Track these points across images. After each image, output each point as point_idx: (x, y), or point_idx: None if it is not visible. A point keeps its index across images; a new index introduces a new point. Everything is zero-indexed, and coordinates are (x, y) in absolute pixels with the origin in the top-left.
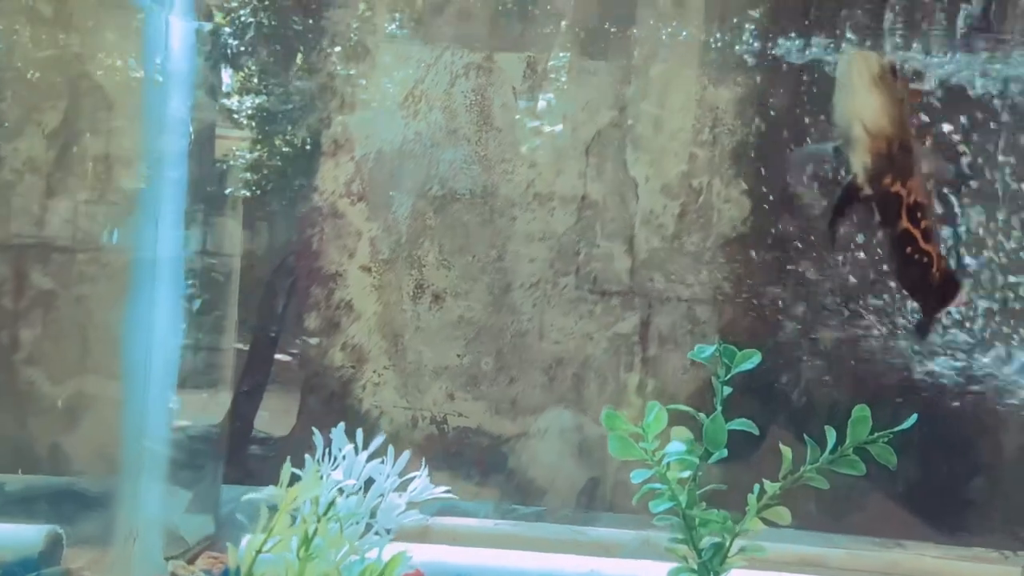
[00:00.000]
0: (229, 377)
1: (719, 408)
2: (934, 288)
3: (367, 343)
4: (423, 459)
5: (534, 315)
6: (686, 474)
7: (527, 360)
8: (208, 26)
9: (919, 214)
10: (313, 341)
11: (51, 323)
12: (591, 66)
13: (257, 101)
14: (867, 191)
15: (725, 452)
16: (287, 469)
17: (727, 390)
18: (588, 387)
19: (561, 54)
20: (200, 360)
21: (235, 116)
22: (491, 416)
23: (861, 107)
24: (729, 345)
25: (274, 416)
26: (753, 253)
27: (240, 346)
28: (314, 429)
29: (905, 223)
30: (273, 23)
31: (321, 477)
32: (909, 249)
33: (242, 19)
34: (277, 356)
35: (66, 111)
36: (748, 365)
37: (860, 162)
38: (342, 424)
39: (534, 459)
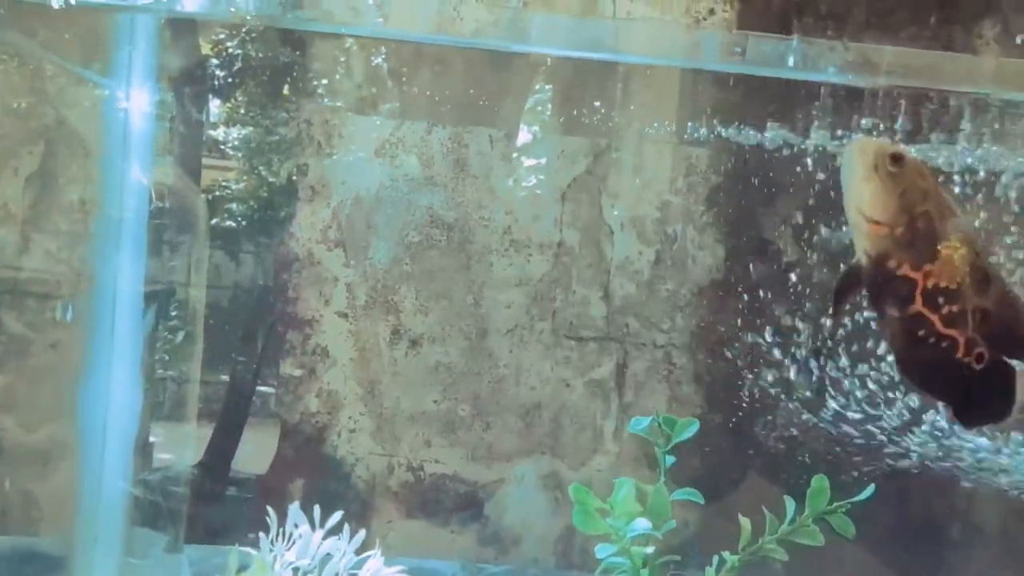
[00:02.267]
0: (195, 413)
1: (662, 479)
2: (962, 378)
3: (343, 389)
4: (377, 540)
5: (511, 361)
6: (650, 550)
7: (504, 406)
8: (169, 96)
9: (941, 299)
10: (288, 386)
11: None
12: (568, 120)
13: (242, 132)
14: (871, 274)
15: (673, 523)
16: (235, 556)
17: (670, 459)
18: (565, 433)
19: (537, 106)
20: (167, 395)
21: (221, 147)
22: (467, 462)
23: (857, 195)
24: (668, 415)
25: (253, 450)
26: (727, 299)
27: (208, 379)
28: (268, 508)
29: (919, 307)
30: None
31: (274, 557)
32: (922, 332)
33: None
34: (259, 389)
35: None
36: (687, 434)
37: (861, 246)
38: (296, 503)
39: (510, 506)
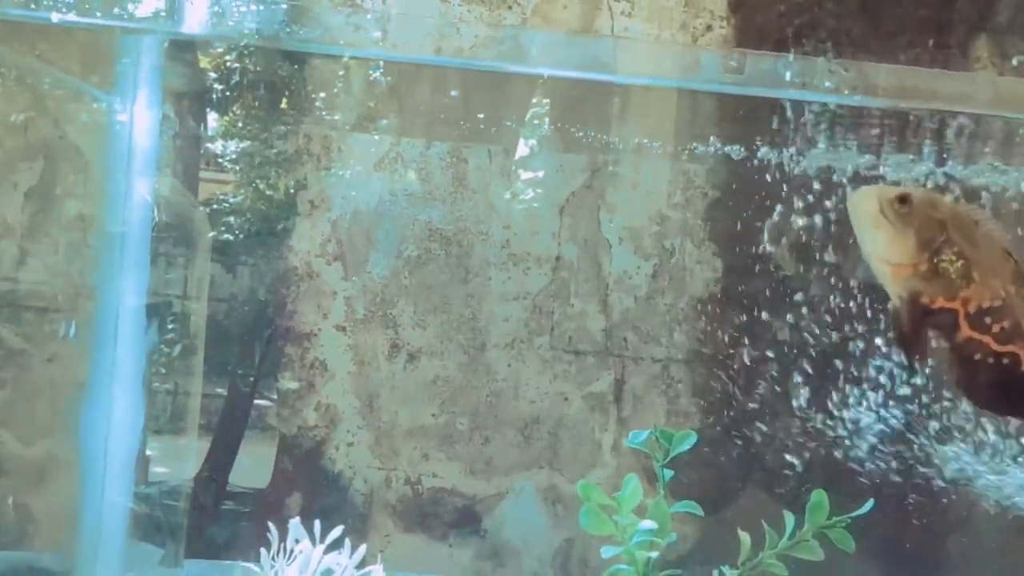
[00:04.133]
0: (196, 424)
1: (662, 492)
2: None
3: (341, 403)
4: (379, 555)
5: (509, 374)
6: (654, 555)
7: (502, 420)
8: (171, 111)
9: (988, 319)
10: (286, 400)
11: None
12: (566, 135)
13: (242, 146)
14: (909, 315)
15: (673, 536)
16: (237, 572)
17: (668, 473)
18: (563, 447)
19: (535, 121)
20: (167, 407)
21: (219, 161)
22: (466, 476)
23: (871, 243)
24: (665, 428)
25: (251, 464)
26: (725, 313)
27: (208, 391)
28: (269, 524)
29: (967, 332)
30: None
31: (276, 573)
32: (978, 356)
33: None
34: (257, 402)
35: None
36: (684, 447)
37: (892, 291)
38: (297, 519)
39: (509, 520)
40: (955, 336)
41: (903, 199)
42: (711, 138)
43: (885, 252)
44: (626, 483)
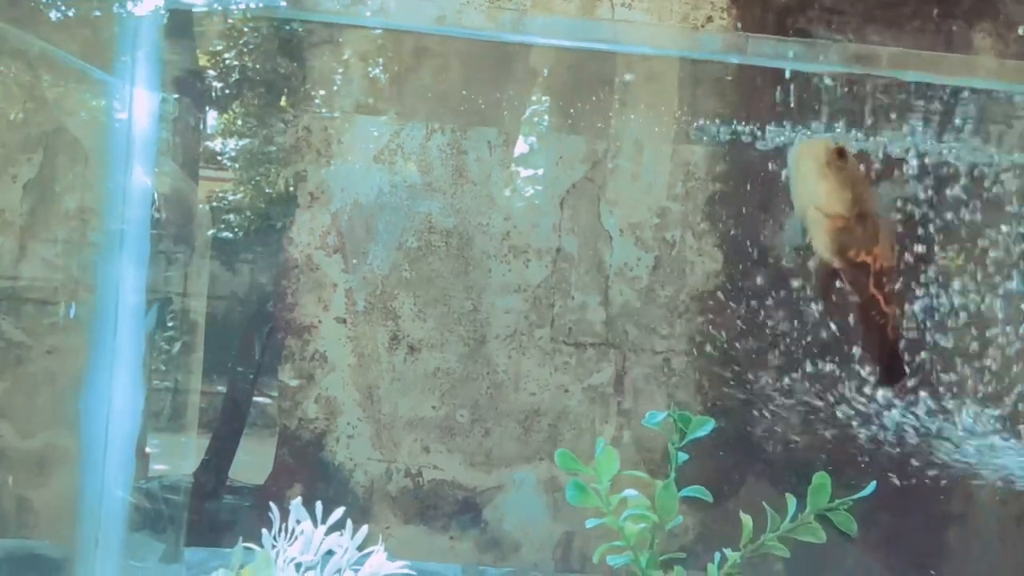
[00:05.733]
0: (196, 420)
1: (673, 475)
2: (887, 353)
3: (341, 395)
4: (380, 536)
5: (509, 366)
6: (642, 526)
7: (502, 412)
8: (172, 99)
9: (884, 279)
10: (287, 392)
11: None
12: (566, 123)
13: (241, 144)
14: (835, 265)
15: (680, 519)
16: (238, 551)
17: (682, 456)
18: (564, 439)
19: (535, 118)
20: (167, 403)
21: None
22: (466, 468)
23: (813, 193)
24: (683, 411)
25: (251, 460)
26: (726, 304)
27: (207, 388)
28: (271, 505)
29: (872, 289)
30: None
31: (277, 553)
32: (873, 313)
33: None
34: (257, 399)
35: (41, 164)
36: (702, 432)
37: (821, 242)
38: (299, 499)
39: (509, 512)
40: (865, 293)
41: (841, 153)
42: (712, 127)
43: (824, 201)
44: (598, 447)
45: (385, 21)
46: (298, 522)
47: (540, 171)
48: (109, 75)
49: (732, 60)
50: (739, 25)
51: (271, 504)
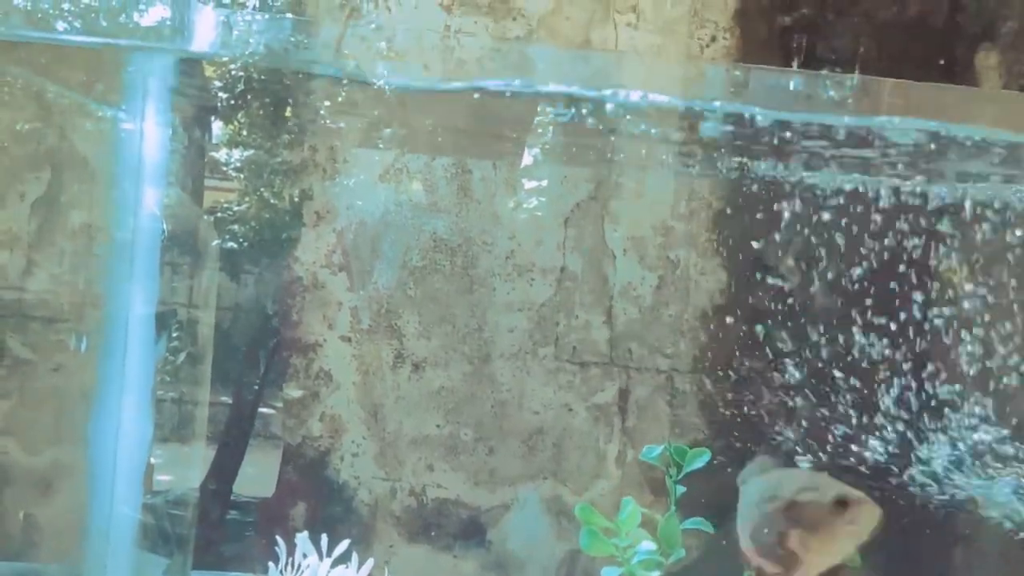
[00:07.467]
0: (204, 432)
1: (673, 508)
2: None
3: (346, 413)
4: (385, 568)
5: (513, 385)
6: (655, 574)
7: (507, 430)
8: (180, 124)
9: None
10: (291, 410)
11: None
12: (570, 145)
13: (246, 154)
14: None
15: (682, 552)
16: None
17: (680, 489)
18: (568, 458)
19: (539, 134)
20: (175, 416)
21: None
22: (470, 487)
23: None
24: (679, 445)
25: (254, 474)
26: (731, 324)
27: (214, 399)
28: (277, 539)
29: None
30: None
31: None
32: None
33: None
34: (261, 410)
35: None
36: (698, 464)
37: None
38: (305, 533)
39: (513, 531)
40: None
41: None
42: (717, 147)
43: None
44: (624, 506)
45: (389, 79)
46: (304, 556)
47: (545, 187)
48: (119, 100)
49: (735, 109)
50: (741, 47)
51: (277, 538)
